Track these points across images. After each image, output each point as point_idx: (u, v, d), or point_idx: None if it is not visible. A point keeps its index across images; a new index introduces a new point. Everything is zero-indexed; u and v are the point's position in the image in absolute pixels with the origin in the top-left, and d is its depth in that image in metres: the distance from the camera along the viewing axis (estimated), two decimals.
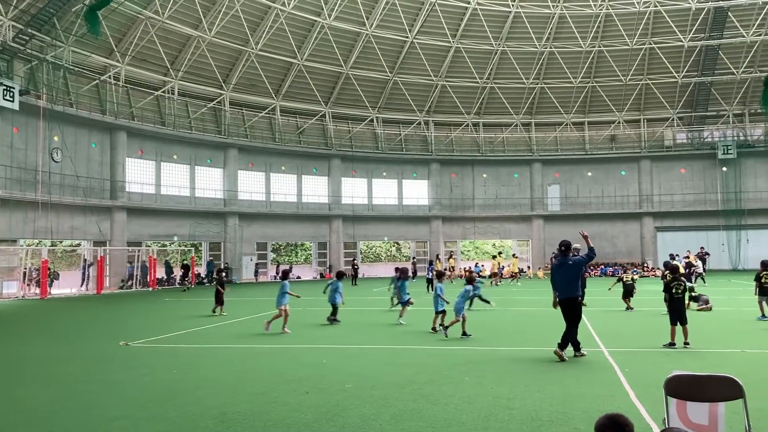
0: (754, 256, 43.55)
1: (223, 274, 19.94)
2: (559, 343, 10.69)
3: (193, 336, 14.80)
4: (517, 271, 37.43)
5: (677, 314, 11.77)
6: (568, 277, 10.92)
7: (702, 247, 40.87)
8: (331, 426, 6.77)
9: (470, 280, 15.13)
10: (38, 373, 10.35)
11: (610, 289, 21.19)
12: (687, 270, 30.18)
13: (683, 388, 4.53)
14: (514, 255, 38.14)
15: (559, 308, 11.00)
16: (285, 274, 16.87)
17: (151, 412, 7.52)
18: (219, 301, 19.68)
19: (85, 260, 35.08)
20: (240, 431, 6.62)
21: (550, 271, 24.72)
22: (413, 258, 46.94)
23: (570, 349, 10.86)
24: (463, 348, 12.30)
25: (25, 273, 30.73)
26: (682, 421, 4.56)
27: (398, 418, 7.07)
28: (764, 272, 15.31)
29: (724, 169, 47.03)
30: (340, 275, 17.83)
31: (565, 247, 11.28)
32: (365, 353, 11.96)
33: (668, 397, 4.54)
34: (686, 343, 11.65)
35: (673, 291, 12.03)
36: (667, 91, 47.27)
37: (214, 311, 19.65)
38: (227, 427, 6.76)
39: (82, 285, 33.89)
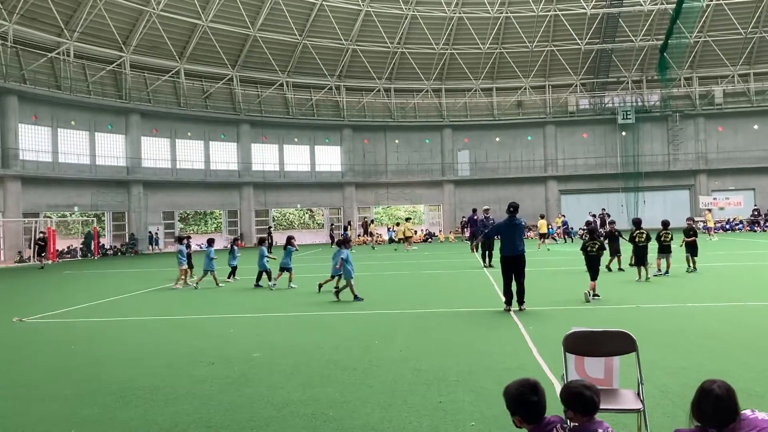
0: (650, 217, 45.84)
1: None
2: (518, 300, 11.61)
3: (94, 309, 14.17)
4: (410, 235, 34.37)
5: (593, 270, 13.06)
6: (519, 236, 11.77)
7: (603, 209, 42.68)
8: (237, 396, 6.61)
9: (345, 242, 15.04)
10: None
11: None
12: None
13: (580, 344, 4.64)
14: (407, 219, 36.57)
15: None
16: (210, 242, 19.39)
17: (43, 391, 7.11)
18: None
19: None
20: (140, 405, 6.36)
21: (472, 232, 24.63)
22: (332, 225, 46.82)
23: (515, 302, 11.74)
24: (373, 312, 12.33)
25: None
26: (579, 375, 4.67)
27: (306, 384, 6.99)
28: (663, 231, 16.24)
29: (624, 133, 49.12)
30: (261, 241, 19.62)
31: (513, 208, 12.05)
32: (275, 321, 11.81)
33: (566, 353, 4.65)
34: (596, 295, 12.72)
35: (588, 249, 13.27)
36: (570, 57, 48.62)
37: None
38: (126, 402, 6.48)
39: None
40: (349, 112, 49.02)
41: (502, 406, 3.60)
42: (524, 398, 3.29)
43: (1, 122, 34.22)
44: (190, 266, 19.47)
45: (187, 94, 43.61)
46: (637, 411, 4.36)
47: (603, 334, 4.64)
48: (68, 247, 37.99)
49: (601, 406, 4.38)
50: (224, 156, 45.92)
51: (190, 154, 44.58)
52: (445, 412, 5.82)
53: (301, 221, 54.06)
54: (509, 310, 11.52)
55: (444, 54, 48.15)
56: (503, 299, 11.87)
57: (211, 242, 19.25)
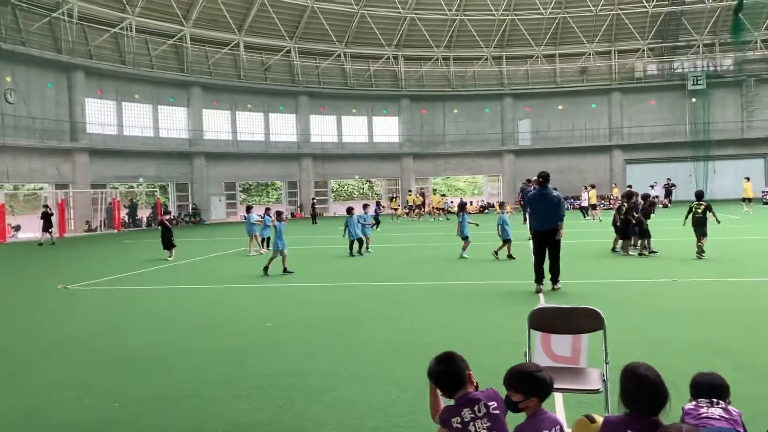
0: (720, 187, 43.98)
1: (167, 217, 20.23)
2: (551, 279, 10.81)
3: (137, 277, 14.64)
4: (442, 207, 38.89)
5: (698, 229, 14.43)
6: (550, 209, 10.84)
7: (668, 179, 41.15)
8: (233, 367, 6.70)
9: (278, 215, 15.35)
10: None
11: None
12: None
13: (547, 321, 4.46)
14: (439, 193, 40.13)
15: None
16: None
17: (58, 356, 7.40)
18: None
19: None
20: (141, 374, 6.52)
21: (524, 203, 23.98)
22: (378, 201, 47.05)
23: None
24: (396, 284, 12.28)
25: None
26: (546, 353, 4.50)
27: (304, 355, 7.02)
28: (696, 203, 14.80)
29: (694, 100, 46.86)
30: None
31: (543, 178, 11.13)
32: (299, 291, 11.91)
33: (531, 330, 4.47)
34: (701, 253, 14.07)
35: (693, 211, 14.54)
36: (637, 21, 46.53)
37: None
38: (129, 370, 6.67)
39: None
40: (407, 82, 48.57)
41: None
42: (431, 368, 3.45)
43: (69, 97, 35.50)
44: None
45: (247, 67, 44.11)
46: (596, 392, 4.15)
47: (569, 311, 4.44)
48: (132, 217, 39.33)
49: (561, 386, 4.23)
50: (283, 127, 46.40)
51: (250, 126, 45.24)
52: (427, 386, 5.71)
53: (360, 192, 54.35)
54: (540, 290, 10.59)
55: (504, 20, 46.90)
56: (534, 278, 10.90)
57: (350, 211, 18.46)
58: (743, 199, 30.62)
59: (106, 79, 37.69)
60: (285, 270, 14.17)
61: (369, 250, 18.56)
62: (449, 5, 45.43)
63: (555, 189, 11.35)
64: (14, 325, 9.45)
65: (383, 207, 37.68)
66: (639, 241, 15.64)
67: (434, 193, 42.65)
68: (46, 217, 26.85)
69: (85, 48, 36.51)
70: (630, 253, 15.47)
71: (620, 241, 15.95)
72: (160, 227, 19.73)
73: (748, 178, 31.36)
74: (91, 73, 36.63)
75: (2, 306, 11.30)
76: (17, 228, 32.14)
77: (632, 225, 15.47)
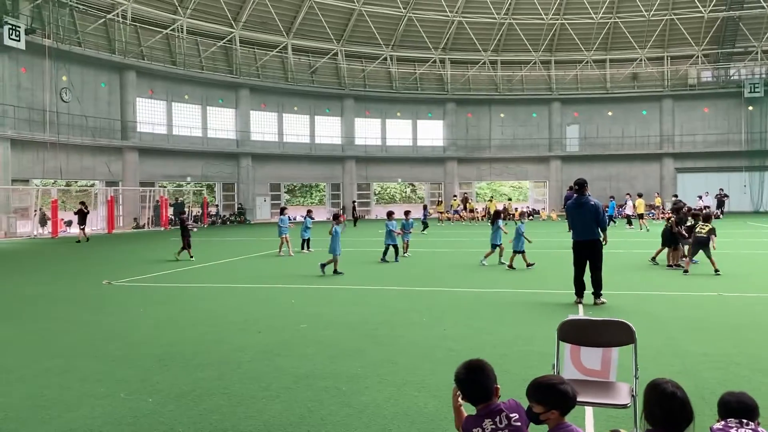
0: None
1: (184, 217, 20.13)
2: (593, 293, 10.29)
3: (179, 275, 14.91)
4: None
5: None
6: (587, 218, 10.34)
7: (721, 189, 40.03)
8: (265, 365, 6.75)
9: (336, 218, 15.97)
10: (3, 311, 10.50)
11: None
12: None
13: (576, 333, 4.37)
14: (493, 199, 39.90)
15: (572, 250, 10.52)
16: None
17: (94, 350, 7.56)
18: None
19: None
20: (173, 369, 6.62)
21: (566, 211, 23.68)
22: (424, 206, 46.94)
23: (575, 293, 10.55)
24: (434, 289, 12.22)
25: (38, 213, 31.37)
26: (575, 366, 4.41)
27: (336, 357, 7.03)
28: (702, 224, 14.31)
29: (750, 108, 45.47)
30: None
31: (579, 185, 10.59)
32: (337, 293, 11.95)
33: (560, 342, 4.39)
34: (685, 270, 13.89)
35: (697, 231, 13.95)
36: (692, 26, 45.43)
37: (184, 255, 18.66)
38: (162, 366, 6.78)
39: None
40: (453, 85, 48.40)
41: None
42: (459, 373, 3.34)
43: (121, 96, 36.51)
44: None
45: (294, 70, 44.59)
46: (625, 407, 4.05)
47: (599, 323, 4.35)
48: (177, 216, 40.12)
49: (589, 399, 4.13)
50: (328, 130, 46.75)
51: (296, 127, 45.72)
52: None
53: (403, 195, 54.37)
54: (580, 302, 10.23)
55: (554, 24, 46.35)
56: (574, 290, 10.45)
57: (390, 215, 18.24)
58: None
59: (157, 80, 38.60)
60: (335, 271, 14.63)
61: (407, 254, 18.52)
62: (497, 8, 45.10)
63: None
64: (56, 320, 9.70)
65: (430, 212, 37.81)
66: (670, 253, 15.29)
67: (491, 200, 43.07)
68: (82, 214, 27.35)
69: (137, 49, 37.45)
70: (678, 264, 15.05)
71: (673, 253, 15.55)
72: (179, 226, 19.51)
73: None
74: (143, 74, 37.57)
75: (46, 300, 11.63)
76: (68, 223, 33.13)
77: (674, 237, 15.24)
